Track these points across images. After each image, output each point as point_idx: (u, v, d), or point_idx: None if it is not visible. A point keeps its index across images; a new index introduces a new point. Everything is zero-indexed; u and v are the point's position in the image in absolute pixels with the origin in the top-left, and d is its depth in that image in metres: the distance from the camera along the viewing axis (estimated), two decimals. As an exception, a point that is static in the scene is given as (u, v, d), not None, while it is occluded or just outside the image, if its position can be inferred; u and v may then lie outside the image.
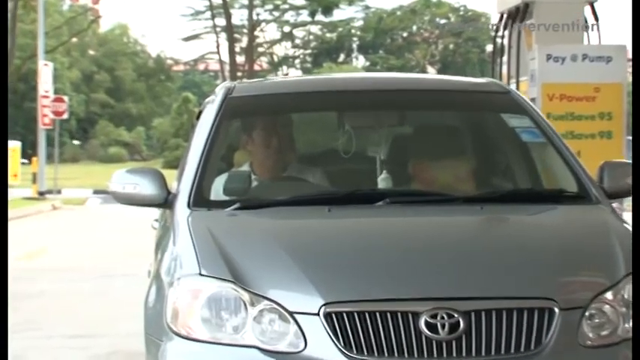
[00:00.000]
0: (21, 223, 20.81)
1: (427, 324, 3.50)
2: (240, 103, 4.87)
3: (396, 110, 5.20)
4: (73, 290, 10.57)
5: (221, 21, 49.83)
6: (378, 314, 3.52)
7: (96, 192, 29.74)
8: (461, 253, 3.84)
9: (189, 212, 4.24)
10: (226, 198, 4.47)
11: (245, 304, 3.63)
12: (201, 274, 3.73)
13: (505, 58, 10.91)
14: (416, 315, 3.51)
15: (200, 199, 4.35)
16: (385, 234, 4.07)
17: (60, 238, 16.89)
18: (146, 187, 4.39)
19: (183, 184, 4.43)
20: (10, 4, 48.53)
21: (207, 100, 5.18)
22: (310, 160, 5.11)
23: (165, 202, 4.42)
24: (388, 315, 3.51)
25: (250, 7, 49.85)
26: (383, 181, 4.80)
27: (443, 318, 3.51)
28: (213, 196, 4.49)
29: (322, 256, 3.83)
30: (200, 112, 5.14)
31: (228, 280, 3.67)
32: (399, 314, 3.52)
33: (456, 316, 3.51)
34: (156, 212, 5.39)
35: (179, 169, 4.96)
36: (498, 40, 11.22)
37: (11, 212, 22.05)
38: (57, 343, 7.85)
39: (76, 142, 66.62)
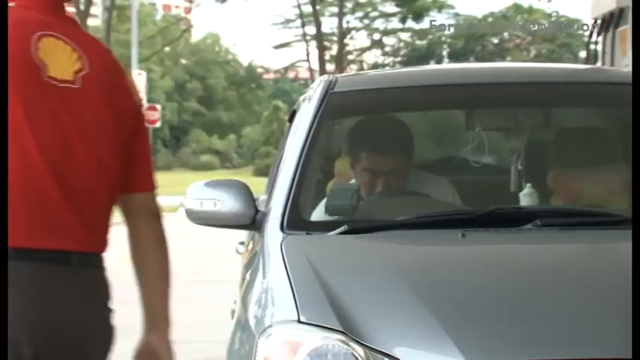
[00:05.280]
0: (116, 229, 21.14)
1: None
2: (344, 99, 3.92)
3: (541, 107, 4.17)
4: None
5: (311, 29, 50.00)
6: None
7: (188, 199, 30.05)
8: None
9: (282, 237, 3.31)
10: (330, 218, 3.59)
11: None
12: (300, 322, 2.79)
13: (599, 65, 10.77)
14: None
15: (296, 220, 3.42)
16: (544, 270, 3.04)
17: (153, 244, 17.09)
18: (229, 204, 3.46)
19: (274, 201, 3.51)
20: (105, 15, 49.44)
21: (302, 97, 4.28)
22: (431, 169, 4.18)
23: (253, 222, 3.50)
24: None
25: (340, 15, 49.95)
26: (527, 196, 3.77)
27: None
28: (313, 216, 3.63)
29: (463, 300, 2.83)
30: (294, 112, 4.27)
31: (337, 330, 2.71)
32: None
33: None
34: (241, 233, 4.51)
35: (269, 180, 4.30)
36: (592, 47, 11.08)
37: (106, 219, 22.42)
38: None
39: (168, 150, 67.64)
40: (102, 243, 2.68)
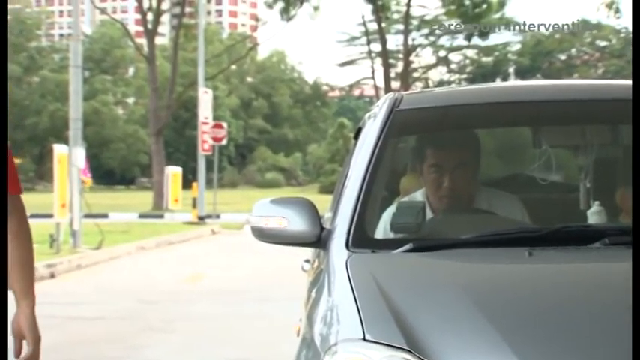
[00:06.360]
0: (182, 247, 21.32)
1: None
2: (410, 117, 3.91)
3: (609, 125, 4.12)
4: (233, 313, 10.74)
5: (376, 46, 49.98)
6: None
7: (254, 217, 30.16)
8: None
9: (348, 255, 3.33)
10: (395, 236, 3.58)
11: None
12: (365, 339, 2.79)
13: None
14: None
15: (362, 238, 3.43)
16: (612, 289, 2.99)
17: (219, 261, 17.20)
18: (294, 222, 3.50)
19: (340, 219, 3.53)
20: (172, 34, 49.79)
21: (368, 114, 4.26)
22: (498, 187, 4.11)
23: (318, 240, 3.51)
24: None
25: (406, 32, 49.81)
26: (595, 215, 3.76)
27: None
28: (378, 234, 3.63)
29: (530, 319, 2.81)
30: (359, 130, 4.26)
31: (402, 348, 2.73)
32: None
33: None
34: (307, 251, 4.52)
35: (334, 198, 4.35)
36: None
37: (173, 237, 22.65)
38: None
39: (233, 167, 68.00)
40: None
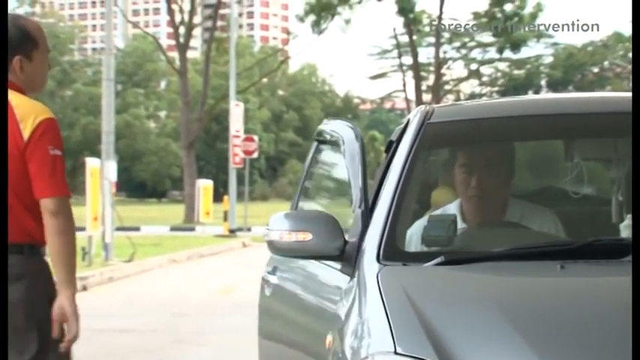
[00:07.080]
0: (214, 259, 21.36)
1: None
2: (441, 130, 3.92)
3: None
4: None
5: (408, 59, 49.99)
6: None
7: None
8: None
9: (379, 268, 3.32)
10: (426, 249, 3.55)
11: None
12: (396, 353, 2.81)
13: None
14: None
15: (393, 251, 3.42)
16: None
17: (250, 274, 17.17)
18: (315, 236, 3.47)
19: (371, 232, 3.51)
20: (204, 47, 50.02)
21: (398, 127, 4.25)
22: (530, 200, 4.08)
23: (342, 253, 3.49)
24: None
25: (437, 45, 49.77)
26: (627, 228, 3.74)
27: None
28: (408, 247, 3.60)
29: (562, 334, 2.80)
30: (390, 143, 4.26)
31: None
32: None
33: None
34: (265, 260, 4.46)
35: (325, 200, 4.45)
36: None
37: (204, 249, 22.71)
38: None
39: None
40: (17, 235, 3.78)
